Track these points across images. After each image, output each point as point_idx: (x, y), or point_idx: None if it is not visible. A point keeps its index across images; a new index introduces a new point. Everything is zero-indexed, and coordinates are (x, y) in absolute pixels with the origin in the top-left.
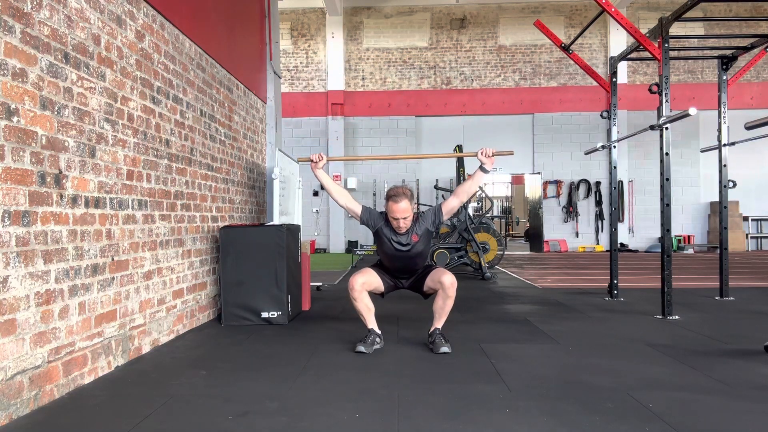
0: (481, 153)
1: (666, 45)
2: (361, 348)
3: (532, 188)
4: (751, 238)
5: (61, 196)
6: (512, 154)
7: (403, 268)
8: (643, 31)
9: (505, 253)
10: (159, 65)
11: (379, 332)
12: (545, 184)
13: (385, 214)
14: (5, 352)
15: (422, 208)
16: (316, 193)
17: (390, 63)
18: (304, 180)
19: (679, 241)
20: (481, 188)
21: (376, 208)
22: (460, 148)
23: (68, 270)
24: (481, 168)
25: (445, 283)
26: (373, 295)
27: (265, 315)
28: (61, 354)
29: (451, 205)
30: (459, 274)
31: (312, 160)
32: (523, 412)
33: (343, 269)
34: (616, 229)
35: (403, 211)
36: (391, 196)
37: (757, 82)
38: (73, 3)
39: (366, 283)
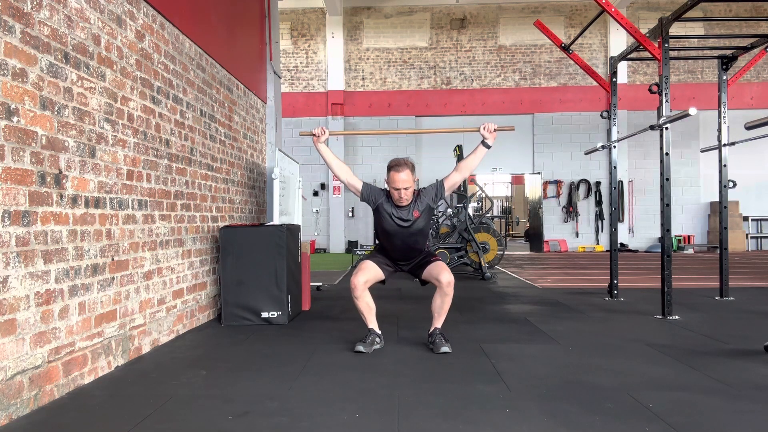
0: (484, 128)
1: (666, 45)
2: (361, 348)
3: (532, 188)
4: (751, 238)
5: (61, 196)
6: (513, 130)
7: (403, 246)
8: (643, 31)
9: (505, 253)
10: (159, 65)
11: (379, 332)
12: (545, 184)
13: (386, 191)
14: (5, 352)
15: None
16: (316, 193)
17: (390, 63)
18: (305, 180)
19: (679, 241)
20: (481, 188)
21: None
22: (459, 148)
23: (68, 270)
24: (483, 143)
25: (443, 281)
26: (375, 286)
27: (265, 315)
28: (61, 354)
29: (453, 180)
30: (459, 274)
31: (314, 134)
32: (523, 412)
33: (343, 269)
34: (616, 229)
35: (404, 181)
36: (393, 166)
37: (757, 82)
38: (73, 3)
39: (368, 280)
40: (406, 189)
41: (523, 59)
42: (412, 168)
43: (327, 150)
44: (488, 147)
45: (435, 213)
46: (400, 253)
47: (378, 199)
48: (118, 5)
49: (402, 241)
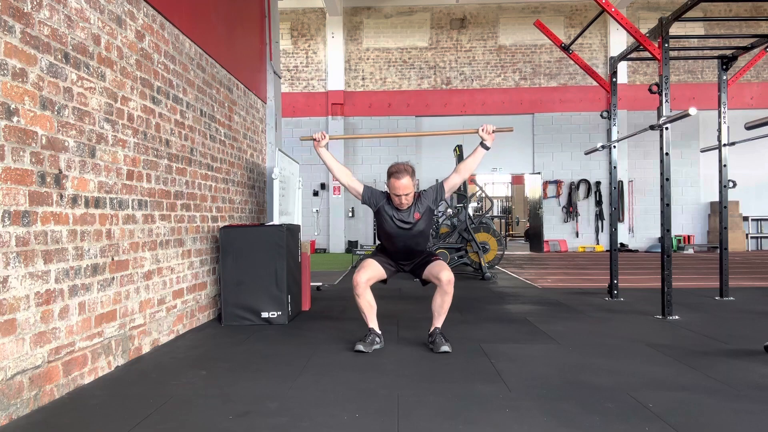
0: (482, 130)
1: (666, 45)
2: (360, 347)
3: (532, 188)
4: (751, 238)
5: (61, 196)
6: (512, 131)
7: (404, 248)
8: (643, 31)
9: (505, 253)
10: (159, 65)
11: (380, 332)
12: (545, 184)
13: (387, 193)
14: (5, 352)
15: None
16: (316, 193)
17: (390, 63)
18: (304, 180)
19: (679, 241)
20: (481, 188)
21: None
22: (460, 147)
23: (68, 270)
24: (482, 144)
25: (443, 280)
26: (376, 286)
27: (265, 315)
28: (61, 354)
29: (452, 181)
30: (459, 274)
31: (315, 139)
32: (523, 412)
33: (343, 269)
34: (616, 229)
35: (405, 187)
36: (393, 172)
37: (757, 82)
38: (73, 3)
39: (370, 278)
40: (406, 195)
41: (523, 59)
42: (412, 173)
43: (328, 154)
44: (487, 148)
45: (435, 213)
46: (401, 254)
47: (379, 202)
48: (118, 5)
49: (403, 242)
